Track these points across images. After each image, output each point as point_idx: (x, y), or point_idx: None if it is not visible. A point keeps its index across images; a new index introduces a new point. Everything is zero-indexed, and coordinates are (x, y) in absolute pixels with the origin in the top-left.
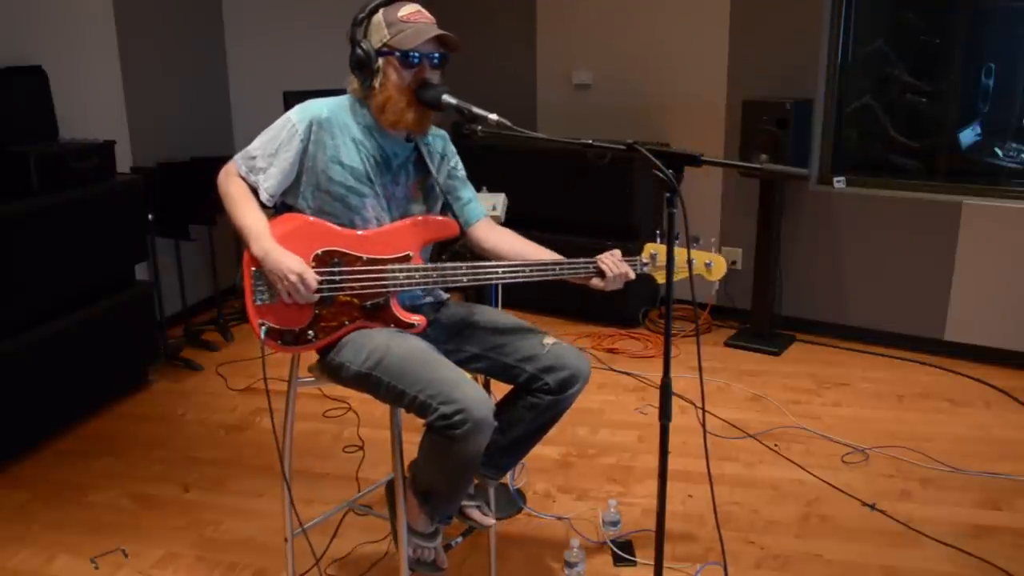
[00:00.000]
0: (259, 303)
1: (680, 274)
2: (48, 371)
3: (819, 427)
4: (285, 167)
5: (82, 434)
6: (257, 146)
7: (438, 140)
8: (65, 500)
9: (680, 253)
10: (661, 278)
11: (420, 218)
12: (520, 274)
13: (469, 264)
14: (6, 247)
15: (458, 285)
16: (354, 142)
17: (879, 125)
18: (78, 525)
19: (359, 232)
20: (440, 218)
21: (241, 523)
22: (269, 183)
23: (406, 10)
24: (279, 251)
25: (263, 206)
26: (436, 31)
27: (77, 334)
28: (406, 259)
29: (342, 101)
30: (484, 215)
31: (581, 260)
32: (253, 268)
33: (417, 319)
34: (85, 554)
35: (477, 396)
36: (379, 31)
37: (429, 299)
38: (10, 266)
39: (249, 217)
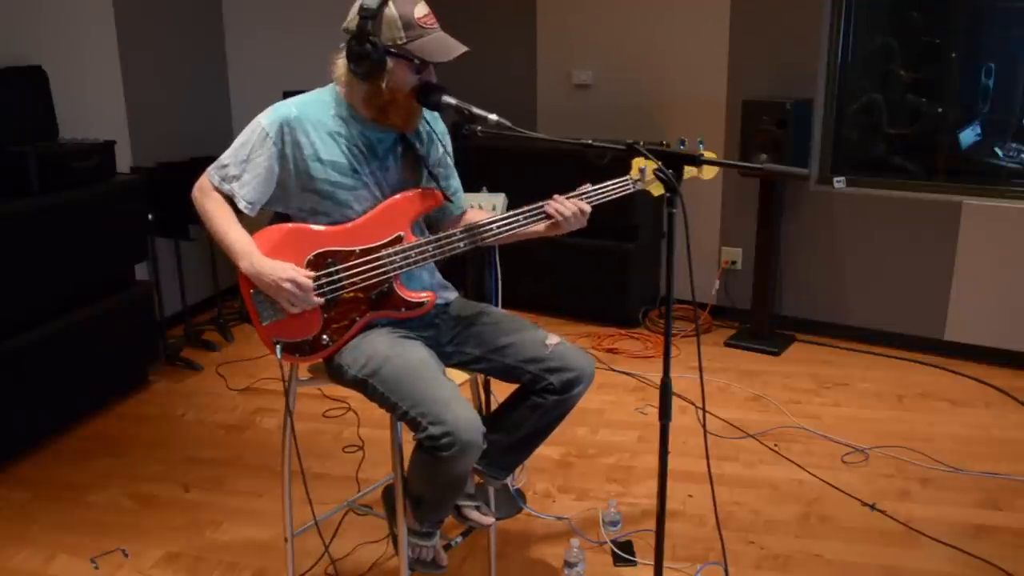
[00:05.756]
0: (267, 323)
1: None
2: (48, 371)
3: (819, 427)
4: (261, 172)
5: (82, 434)
6: (228, 154)
7: (423, 120)
8: (65, 500)
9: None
10: (656, 191)
11: (400, 196)
12: (515, 223)
13: (463, 228)
14: (6, 247)
15: (456, 252)
16: (331, 136)
17: (879, 125)
18: (78, 525)
19: (345, 225)
20: (422, 190)
21: (241, 523)
22: (245, 190)
23: (420, 11)
24: (267, 264)
25: (240, 213)
26: (460, 48)
27: (77, 334)
28: (398, 240)
29: (314, 96)
30: (467, 207)
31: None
32: (251, 290)
33: (426, 295)
34: (85, 554)
35: (467, 418)
36: (392, 29)
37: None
38: (10, 266)
39: (231, 234)
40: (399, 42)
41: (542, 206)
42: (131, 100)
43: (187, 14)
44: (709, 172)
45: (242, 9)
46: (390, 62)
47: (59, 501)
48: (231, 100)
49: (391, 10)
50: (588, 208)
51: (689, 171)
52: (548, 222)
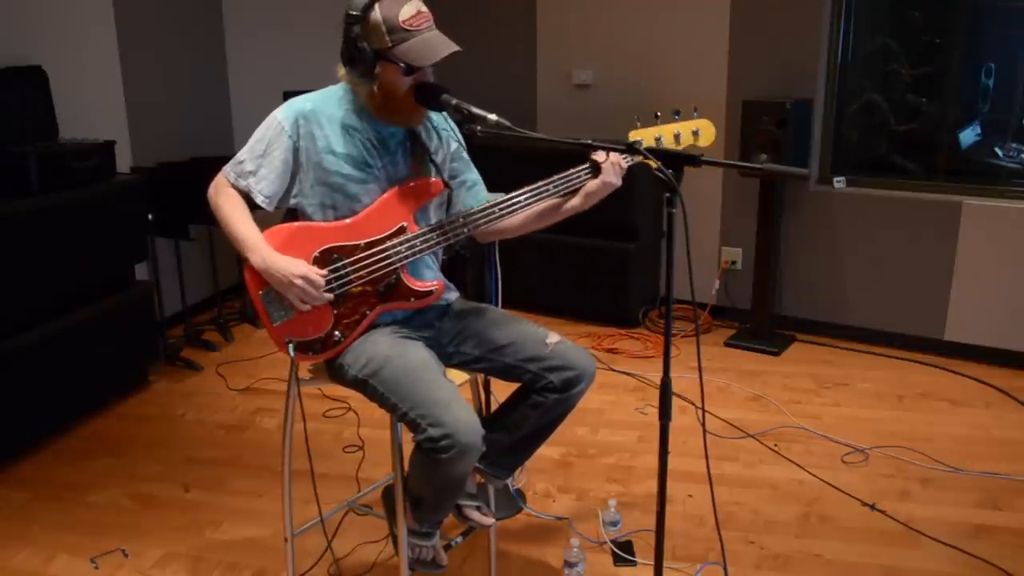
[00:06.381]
0: (278, 323)
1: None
2: (48, 371)
3: (819, 427)
4: (278, 166)
5: (82, 434)
6: (244, 151)
7: (432, 118)
8: (65, 500)
9: (664, 130)
10: (653, 162)
11: (401, 186)
12: (517, 204)
13: (464, 214)
14: (6, 247)
15: (461, 237)
16: (344, 129)
17: (879, 125)
18: (78, 525)
19: (347, 221)
20: (421, 179)
21: (241, 523)
22: (262, 185)
23: (407, 12)
24: (279, 260)
25: (254, 208)
26: (448, 48)
27: (77, 334)
28: (402, 231)
29: (327, 92)
30: (488, 199)
31: (574, 169)
32: (260, 291)
33: (434, 284)
34: (85, 554)
35: (466, 420)
36: (378, 33)
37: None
38: (10, 266)
39: (242, 228)
40: (385, 47)
41: (586, 165)
42: (131, 100)
43: (187, 14)
44: (707, 139)
45: (242, 9)
46: (378, 66)
47: (59, 501)
48: (231, 100)
49: (376, 14)
50: (625, 164)
51: (686, 139)
52: (565, 196)
